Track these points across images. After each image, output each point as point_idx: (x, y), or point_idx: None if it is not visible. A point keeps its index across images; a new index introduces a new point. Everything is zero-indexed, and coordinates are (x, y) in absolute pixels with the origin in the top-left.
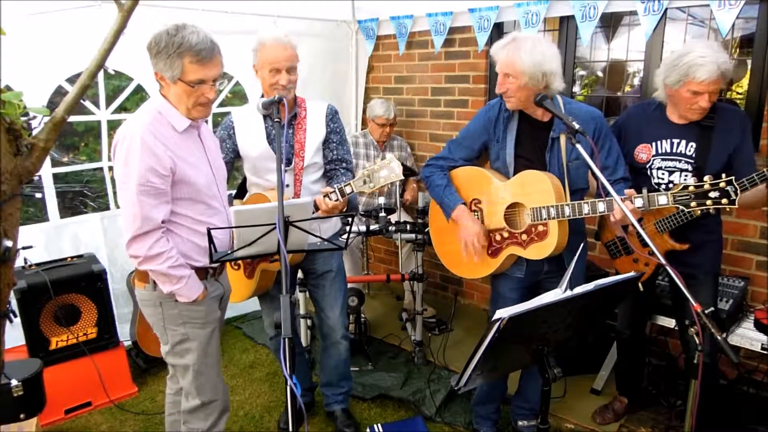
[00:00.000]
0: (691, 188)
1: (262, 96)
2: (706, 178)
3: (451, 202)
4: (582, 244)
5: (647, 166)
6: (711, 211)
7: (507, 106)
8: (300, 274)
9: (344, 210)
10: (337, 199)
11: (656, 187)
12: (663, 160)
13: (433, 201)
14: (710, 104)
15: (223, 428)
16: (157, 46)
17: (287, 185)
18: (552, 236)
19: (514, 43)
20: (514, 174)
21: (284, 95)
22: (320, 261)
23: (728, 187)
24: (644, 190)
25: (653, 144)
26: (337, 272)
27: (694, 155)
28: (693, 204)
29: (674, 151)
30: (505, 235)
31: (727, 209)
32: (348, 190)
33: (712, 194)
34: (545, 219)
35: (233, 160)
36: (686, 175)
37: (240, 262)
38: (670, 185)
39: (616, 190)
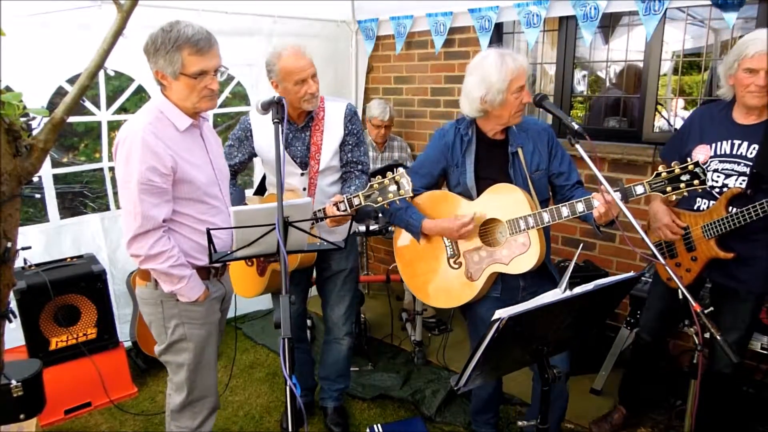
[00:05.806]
0: (663, 174)
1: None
2: (673, 163)
3: (416, 220)
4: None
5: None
6: (685, 194)
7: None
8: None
9: (351, 218)
10: (345, 210)
11: (709, 190)
12: (720, 162)
13: (396, 233)
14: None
15: (211, 428)
16: (154, 45)
17: (303, 188)
18: (534, 246)
19: None
20: (479, 195)
21: (314, 105)
22: (335, 261)
23: (696, 169)
24: (621, 183)
25: (712, 145)
26: (350, 272)
27: (754, 158)
28: (669, 189)
29: (734, 153)
30: (483, 254)
31: (699, 189)
32: (356, 202)
33: (684, 177)
34: (524, 229)
35: (249, 159)
36: (743, 180)
37: (253, 259)
38: (724, 189)
39: (577, 194)
